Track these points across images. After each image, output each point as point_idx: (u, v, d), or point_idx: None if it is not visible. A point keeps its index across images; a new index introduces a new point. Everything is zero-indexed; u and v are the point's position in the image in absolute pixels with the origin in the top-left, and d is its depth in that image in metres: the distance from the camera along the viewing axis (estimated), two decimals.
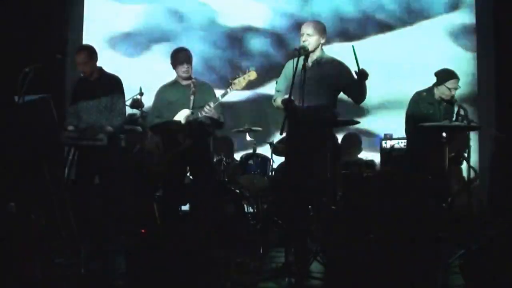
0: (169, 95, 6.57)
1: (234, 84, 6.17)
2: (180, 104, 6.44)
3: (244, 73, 6.20)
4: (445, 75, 6.74)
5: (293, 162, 5.79)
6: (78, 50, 6.69)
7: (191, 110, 6.35)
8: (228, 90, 6.18)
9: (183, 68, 6.44)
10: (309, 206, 6.27)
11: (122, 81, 6.71)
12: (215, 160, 7.82)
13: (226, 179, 7.88)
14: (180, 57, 6.45)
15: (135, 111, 7.89)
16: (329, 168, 5.48)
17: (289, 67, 5.82)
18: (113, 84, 6.69)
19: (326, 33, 5.86)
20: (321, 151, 5.51)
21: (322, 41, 5.80)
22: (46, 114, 5.98)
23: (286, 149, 6.13)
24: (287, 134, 5.66)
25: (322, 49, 5.84)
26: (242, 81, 6.16)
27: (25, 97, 5.71)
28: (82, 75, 6.68)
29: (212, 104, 6.19)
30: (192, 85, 6.44)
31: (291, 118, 5.50)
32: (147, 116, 7.00)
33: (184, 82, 6.53)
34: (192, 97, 6.40)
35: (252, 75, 6.17)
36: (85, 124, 6.52)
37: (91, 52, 6.62)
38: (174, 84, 6.62)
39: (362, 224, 6.27)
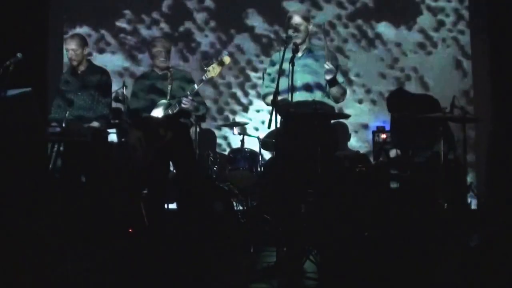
0: (146, 85, 6.53)
1: (209, 71, 6.08)
2: (158, 94, 6.40)
3: (218, 59, 6.10)
4: None
5: (284, 158, 5.72)
6: (71, 36, 6.67)
7: (168, 101, 6.30)
8: (204, 77, 6.11)
9: (160, 58, 6.41)
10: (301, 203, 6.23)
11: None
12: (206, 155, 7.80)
13: (213, 176, 7.79)
14: (157, 48, 6.41)
15: (119, 105, 7.81)
16: (319, 164, 5.39)
17: (276, 59, 5.79)
18: (101, 77, 6.62)
19: (311, 20, 5.86)
20: (310, 146, 5.43)
21: (310, 28, 5.80)
22: (28, 109, 5.88)
23: (277, 144, 6.07)
24: (277, 130, 5.55)
25: (309, 38, 5.84)
26: (216, 67, 6.07)
27: (6, 91, 5.60)
28: (72, 63, 6.58)
29: (189, 94, 6.11)
30: (169, 74, 6.44)
31: (281, 113, 5.41)
32: (127, 109, 6.95)
33: (161, 72, 6.50)
34: (169, 86, 6.38)
35: (226, 60, 6.09)
36: (71, 118, 6.40)
37: (83, 41, 6.59)
38: (151, 73, 6.59)
39: (357, 221, 6.23)
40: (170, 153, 6.37)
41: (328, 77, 5.52)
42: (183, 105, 6.11)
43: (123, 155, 7.31)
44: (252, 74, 9.14)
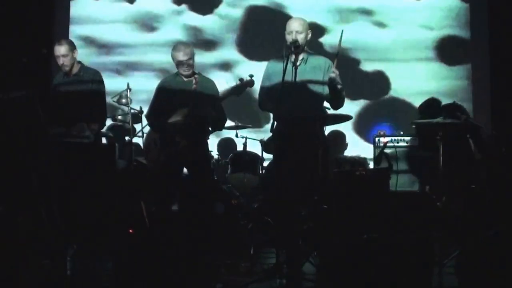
0: (170, 89, 6.41)
1: (233, 89, 6.21)
2: (181, 99, 6.26)
3: (243, 80, 6.10)
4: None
5: (282, 162, 5.71)
6: (58, 42, 6.62)
7: (190, 108, 6.15)
8: (227, 93, 6.29)
9: (183, 66, 6.28)
10: (301, 206, 6.24)
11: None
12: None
13: (215, 178, 7.82)
14: (179, 55, 6.26)
15: (123, 107, 7.85)
16: (320, 167, 5.38)
17: (273, 66, 5.76)
18: (93, 78, 6.62)
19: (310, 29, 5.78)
20: (311, 149, 5.41)
21: (309, 37, 5.74)
22: (31, 111, 5.92)
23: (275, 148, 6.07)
24: (275, 134, 5.56)
25: (307, 48, 5.78)
26: (241, 87, 6.08)
27: (11, 93, 5.65)
28: (64, 69, 6.59)
29: (211, 105, 6.14)
30: (194, 81, 6.26)
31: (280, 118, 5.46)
32: (148, 111, 6.81)
33: (187, 78, 6.36)
34: (193, 94, 6.22)
35: (251, 83, 6.11)
36: (67, 120, 6.44)
37: (71, 45, 6.57)
38: (175, 77, 6.46)
39: (355, 224, 6.23)
40: (184, 160, 6.32)
41: (330, 83, 5.48)
42: (203, 115, 6.12)
43: (127, 156, 7.35)
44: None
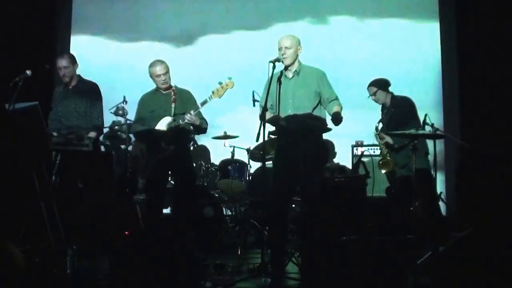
0: (151, 103, 6.45)
1: (213, 93, 6.05)
2: (162, 111, 6.32)
3: (223, 82, 6.07)
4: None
5: (282, 169, 5.59)
6: (60, 55, 6.69)
7: (172, 117, 6.24)
8: (208, 99, 6.07)
9: (160, 80, 6.32)
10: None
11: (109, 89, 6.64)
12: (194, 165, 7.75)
13: (205, 184, 7.80)
14: (156, 70, 6.32)
15: (119, 118, 7.80)
16: (303, 174, 5.33)
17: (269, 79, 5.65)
18: (91, 90, 6.64)
19: (301, 45, 5.71)
20: (297, 156, 5.34)
21: (299, 52, 5.68)
22: (35, 121, 5.86)
23: (275, 157, 5.97)
24: (276, 144, 5.58)
25: (299, 60, 5.70)
26: (220, 90, 6.04)
27: (15, 105, 5.59)
28: (64, 80, 6.60)
29: (192, 112, 6.07)
30: (172, 93, 6.35)
31: (276, 128, 5.45)
32: (132, 123, 6.86)
33: (165, 91, 6.41)
34: (173, 105, 6.30)
35: (230, 84, 6.05)
36: (66, 129, 6.44)
37: (72, 59, 6.61)
38: (155, 92, 6.49)
39: (335, 227, 6.20)
40: (170, 165, 6.29)
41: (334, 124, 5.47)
42: (187, 120, 6.07)
43: (123, 163, 7.30)
44: None
